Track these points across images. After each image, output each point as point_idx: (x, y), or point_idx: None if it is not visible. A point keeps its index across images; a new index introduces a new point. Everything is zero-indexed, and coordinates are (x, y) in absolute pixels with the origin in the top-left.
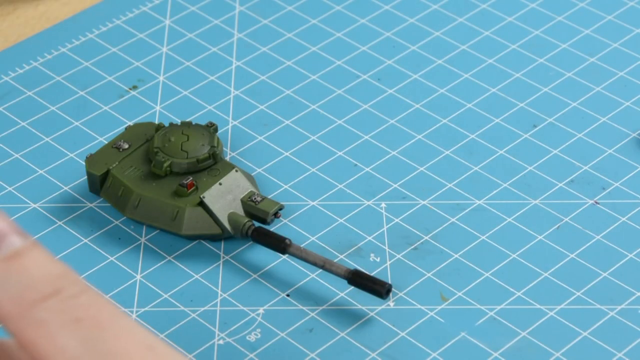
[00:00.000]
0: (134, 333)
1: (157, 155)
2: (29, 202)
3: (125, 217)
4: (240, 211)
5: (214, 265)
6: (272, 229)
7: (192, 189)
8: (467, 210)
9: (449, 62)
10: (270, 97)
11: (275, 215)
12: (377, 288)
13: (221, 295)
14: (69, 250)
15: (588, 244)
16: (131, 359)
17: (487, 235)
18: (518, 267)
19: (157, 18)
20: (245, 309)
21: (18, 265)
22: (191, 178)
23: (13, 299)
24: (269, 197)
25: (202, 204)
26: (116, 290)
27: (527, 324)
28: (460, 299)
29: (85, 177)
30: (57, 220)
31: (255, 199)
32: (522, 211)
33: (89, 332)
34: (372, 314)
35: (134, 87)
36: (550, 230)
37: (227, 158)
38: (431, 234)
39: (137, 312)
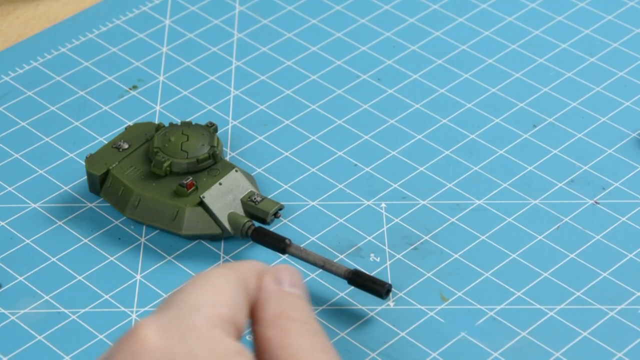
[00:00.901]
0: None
1: (157, 155)
2: (29, 202)
3: (125, 217)
4: (240, 211)
5: (214, 265)
6: (272, 229)
7: (192, 189)
8: (467, 210)
9: (449, 62)
10: (270, 97)
11: (275, 215)
12: (377, 288)
13: None
14: (69, 250)
15: (588, 244)
16: None
17: (487, 235)
18: (518, 267)
19: (157, 18)
20: None
21: (292, 298)
22: (191, 178)
23: (276, 310)
24: (269, 197)
25: (202, 204)
26: (116, 290)
27: (527, 324)
28: (460, 299)
29: (85, 177)
30: (57, 220)
31: (255, 199)
32: (522, 211)
33: (312, 346)
34: (372, 314)
35: (134, 87)
36: (550, 230)
37: (227, 158)
38: (431, 234)
39: (137, 312)
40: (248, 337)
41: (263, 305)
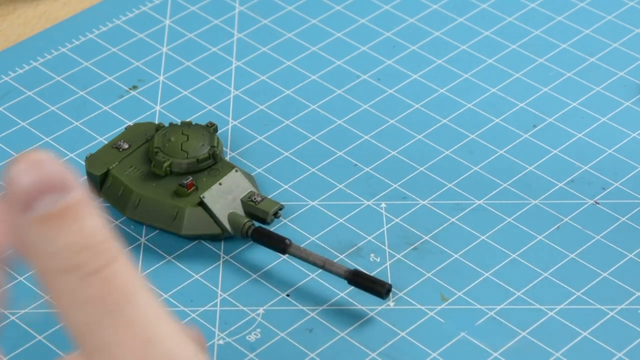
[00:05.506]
0: (138, 323)
1: (157, 155)
2: None
3: (125, 217)
4: (240, 211)
5: (214, 265)
6: (272, 229)
7: (192, 189)
8: (467, 210)
9: (449, 62)
10: (270, 97)
11: (275, 215)
12: (377, 288)
13: (221, 295)
14: None
15: (588, 244)
16: (124, 350)
17: (487, 235)
18: (518, 267)
19: (157, 18)
20: (245, 309)
21: (46, 232)
22: (191, 178)
23: (39, 262)
24: (269, 197)
25: (202, 204)
26: None
27: (527, 324)
28: (460, 299)
29: (85, 177)
30: None
31: (255, 199)
32: (522, 211)
33: (92, 316)
34: (372, 314)
35: (134, 87)
36: (550, 230)
37: (227, 158)
38: (431, 234)
39: None
40: (248, 338)
41: (25, 251)
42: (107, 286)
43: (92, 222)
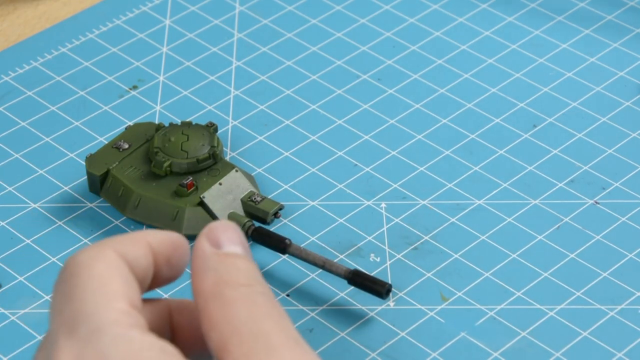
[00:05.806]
0: (290, 327)
1: (157, 155)
2: (29, 202)
3: (125, 217)
4: (240, 211)
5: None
6: (272, 229)
7: (192, 189)
8: (467, 210)
9: (449, 62)
10: (270, 97)
11: (275, 215)
12: (377, 288)
13: None
14: (69, 250)
15: (588, 244)
16: (280, 339)
17: (487, 235)
18: (518, 267)
19: (157, 18)
20: None
21: (230, 260)
22: (191, 178)
23: (214, 279)
24: (269, 197)
25: (202, 204)
26: None
27: (527, 324)
28: (460, 299)
29: (85, 177)
30: (57, 220)
31: (255, 199)
32: (522, 211)
33: (255, 314)
34: (372, 314)
35: (134, 87)
36: (550, 230)
37: (227, 158)
38: (431, 234)
39: None
40: None
41: (199, 274)
42: (272, 302)
43: (257, 268)
